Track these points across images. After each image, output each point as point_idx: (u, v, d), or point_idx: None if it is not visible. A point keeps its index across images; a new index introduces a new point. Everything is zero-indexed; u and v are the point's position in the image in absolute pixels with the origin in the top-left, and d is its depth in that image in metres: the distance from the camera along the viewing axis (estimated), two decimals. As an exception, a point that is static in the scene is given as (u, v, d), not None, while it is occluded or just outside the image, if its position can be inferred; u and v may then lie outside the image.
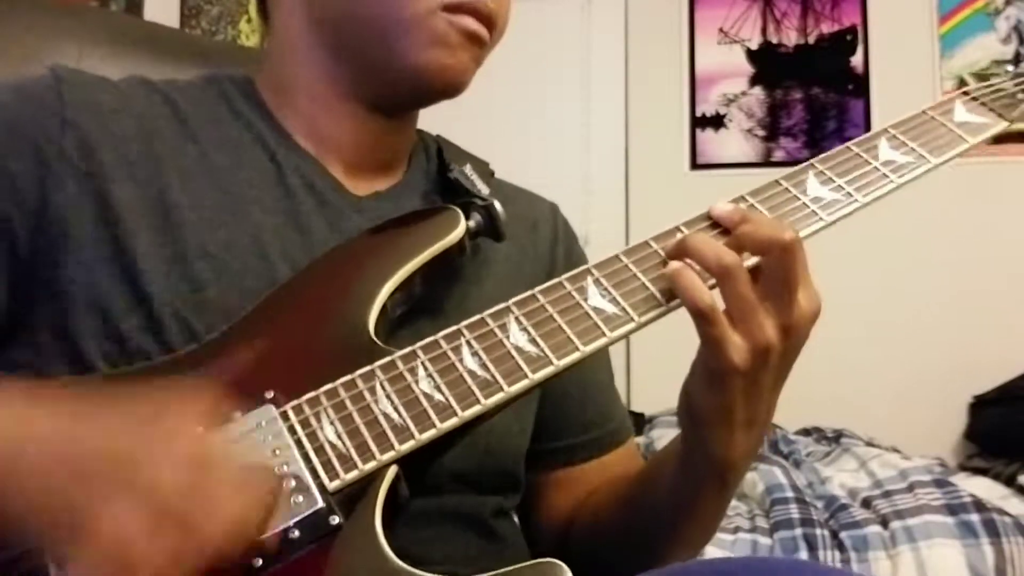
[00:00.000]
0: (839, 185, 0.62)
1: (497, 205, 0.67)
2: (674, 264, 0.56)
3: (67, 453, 0.46)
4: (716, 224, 0.59)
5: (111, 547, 0.42)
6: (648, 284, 0.57)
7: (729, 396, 0.55)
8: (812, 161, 0.64)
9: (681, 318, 0.56)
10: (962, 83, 0.71)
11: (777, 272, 0.54)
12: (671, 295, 0.56)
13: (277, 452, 0.51)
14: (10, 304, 0.60)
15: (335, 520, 0.49)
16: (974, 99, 0.69)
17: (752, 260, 0.56)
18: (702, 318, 0.54)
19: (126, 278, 0.59)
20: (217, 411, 0.51)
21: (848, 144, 0.65)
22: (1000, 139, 0.69)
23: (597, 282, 0.58)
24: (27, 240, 0.59)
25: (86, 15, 0.93)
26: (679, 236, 0.58)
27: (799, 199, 0.61)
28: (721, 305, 0.55)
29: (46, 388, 0.54)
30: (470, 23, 0.66)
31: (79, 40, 0.85)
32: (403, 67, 0.66)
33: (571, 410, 0.77)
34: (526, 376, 0.54)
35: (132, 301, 0.58)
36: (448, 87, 0.68)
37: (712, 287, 0.55)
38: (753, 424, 0.58)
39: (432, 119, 0.78)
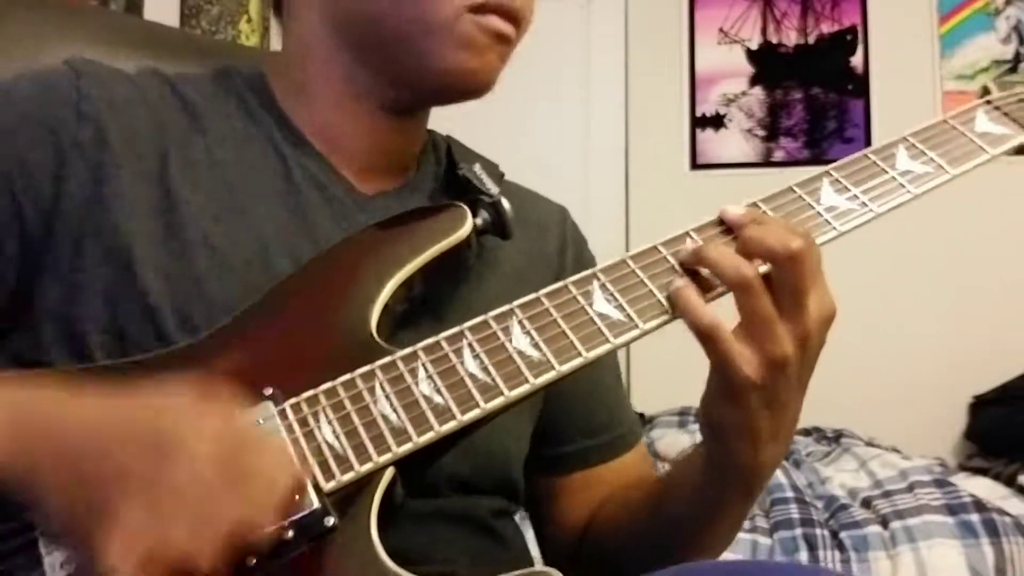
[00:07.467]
0: (854, 195, 0.61)
1: (504, 202, 0.66)
2: (678, 282, 0.55)
3: (100, 439, 0.46)
4: (728, 230, 0.58)
5: (142, 532, 0.42)
6: (655, 291, 0.56)
7: (750, 412, 0.54)
8: (828, 168, 0.62)
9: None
10: (986, 91, 0.70)
11: (786, 282, 0.53)
12: None
13: None
14: (17, 289, 0.60)
15: (330, 521, 0.48)
16: (996, 108, 0.67)
17: (764, 267, 0.55)
18: (707, 339, 0.53)
19: (125, 268, 0.58)
20: (234, 399, 0.50)
21: (865, 152, 0.63)
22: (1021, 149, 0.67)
23: (603, 287, 0.57)
24: (38, 230, 0.59)
25: (86, 15, 0.93)
26: (689, 242, 0.57)
27: (813, 207, 0.60)
28: (727, 319, 0.53)
29: (64, 376, 0.54)
30: (497, 23, 0.64)
31: (79, 40, 0.85)
32: (429, 71, 0.65)
33: (580, 413, 0.76)
34: (527, 381, 0.53)
35: (131, 292, 0.58)
36: (476, 89, 0.67)
37: (709, 300, 0.55)
38: (778, 435, 0.57)
39: (431, 119, 0.78)
